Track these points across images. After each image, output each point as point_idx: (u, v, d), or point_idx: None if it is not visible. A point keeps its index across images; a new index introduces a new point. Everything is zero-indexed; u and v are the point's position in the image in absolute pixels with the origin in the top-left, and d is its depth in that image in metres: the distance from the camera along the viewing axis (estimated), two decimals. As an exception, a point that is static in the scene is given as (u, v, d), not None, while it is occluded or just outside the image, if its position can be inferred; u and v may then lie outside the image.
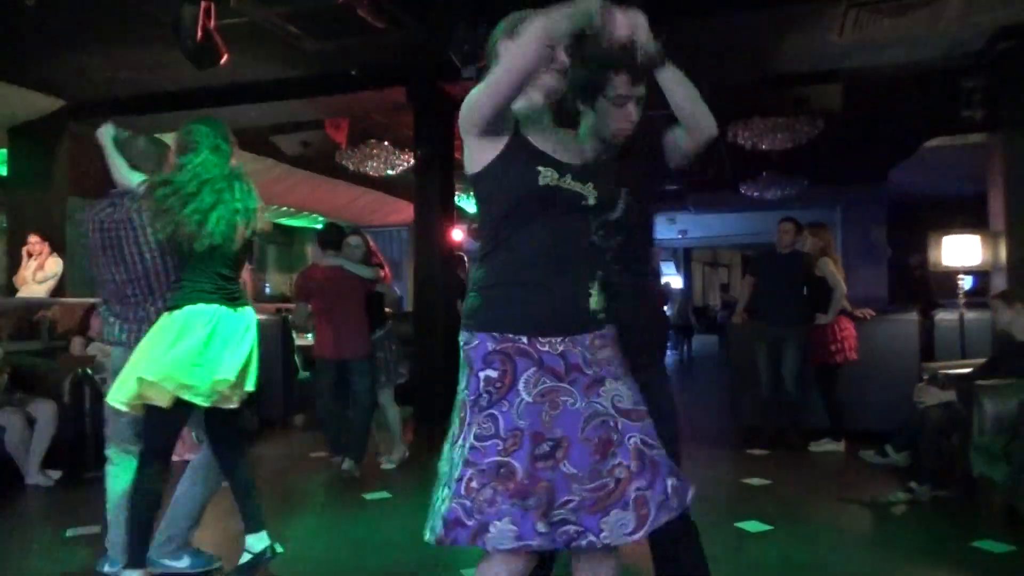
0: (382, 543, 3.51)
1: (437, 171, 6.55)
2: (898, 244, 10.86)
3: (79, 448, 4.88)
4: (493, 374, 1.59)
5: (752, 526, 3.64)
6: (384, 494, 4.32)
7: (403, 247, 13.60)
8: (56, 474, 4.61)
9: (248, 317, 2.83)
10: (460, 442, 1.61)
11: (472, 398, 1.60)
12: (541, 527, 1.50)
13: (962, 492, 4.03)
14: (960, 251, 5.69)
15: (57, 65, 6.08)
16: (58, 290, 6.56)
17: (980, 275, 6.46)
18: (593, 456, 1.57)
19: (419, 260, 6.69)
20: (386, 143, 7.71)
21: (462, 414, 1.63)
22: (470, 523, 1.53)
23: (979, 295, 6.43)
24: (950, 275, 5.94)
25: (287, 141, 7.57)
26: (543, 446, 1.55)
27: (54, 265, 6.51)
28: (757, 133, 7.04)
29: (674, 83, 1.79)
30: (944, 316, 5.98)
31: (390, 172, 7.92)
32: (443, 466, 1.66)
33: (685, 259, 20.67)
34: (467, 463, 1.56)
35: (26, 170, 7.20)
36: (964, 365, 4.62)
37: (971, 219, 6.08)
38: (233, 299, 2.79)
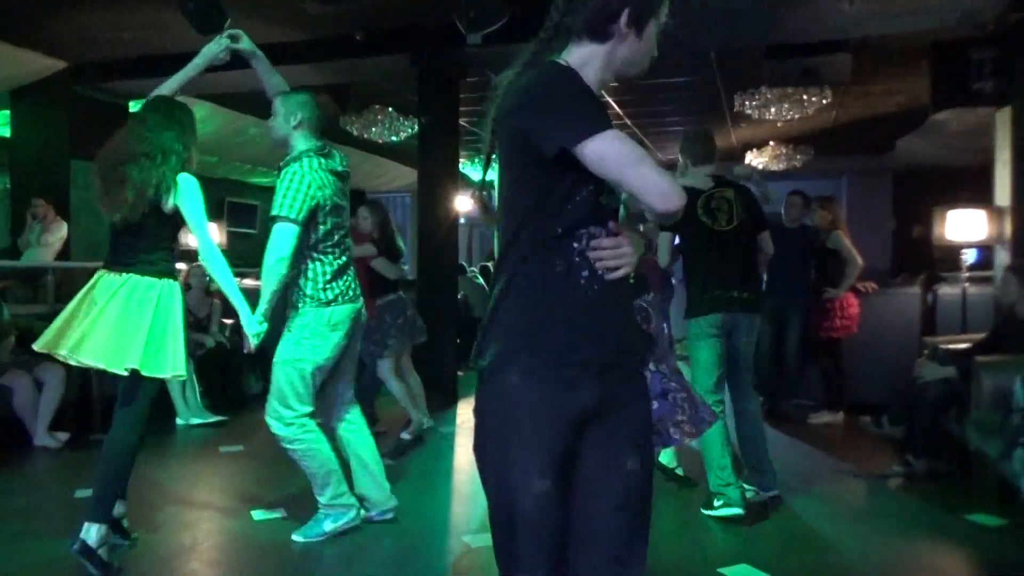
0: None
1: (441, 137, 6.51)
2: (903, 216, 10.81)
3: (86, 410, 4.95)
4: None
5: (750, 496, 3.69)
6: (387, 461, 4.37)
7: (407, 213, 13.57)
8: (64, 436, 4.68)
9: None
10: None
11: None
12: None
13: (958, 466, 4.09)
14: (964, 225, 5.67)
15: (60, 26, 6.02)
16: (63, 254, 6.57)
17: (984, 249, 6.45)
18: None
19: (423, 227, 6.68)
20: (390, 109, 7.64)
21: None
22: None
23: (982, 269, 6.43)
24: (954, 249, 5.93)
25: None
26: None
27: (59, 229, 6.51)
28: (764, 103, 6.97)
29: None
30: (946, 290, 5.98)
31: (394, 138, 7.87)
32: None
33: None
34: None
35: (29, 132, 7.16)
36: (964, 340, 4.64)
37: (977, 192, 6.04)
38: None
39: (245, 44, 3.22)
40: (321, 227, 3.10)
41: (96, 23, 5.92)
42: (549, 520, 1.38)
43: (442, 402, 6.20)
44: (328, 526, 3.15)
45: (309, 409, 3.10)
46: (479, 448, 1.44)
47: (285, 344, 3.11)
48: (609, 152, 1.31)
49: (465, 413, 5.99)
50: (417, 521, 3.38)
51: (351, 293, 3.17)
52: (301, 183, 3.04)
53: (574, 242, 1.40)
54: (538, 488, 1.36)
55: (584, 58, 1.47)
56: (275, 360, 3.11)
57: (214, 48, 3.18)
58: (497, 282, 1.44)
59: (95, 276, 2.89)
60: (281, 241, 2.97)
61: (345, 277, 3.17)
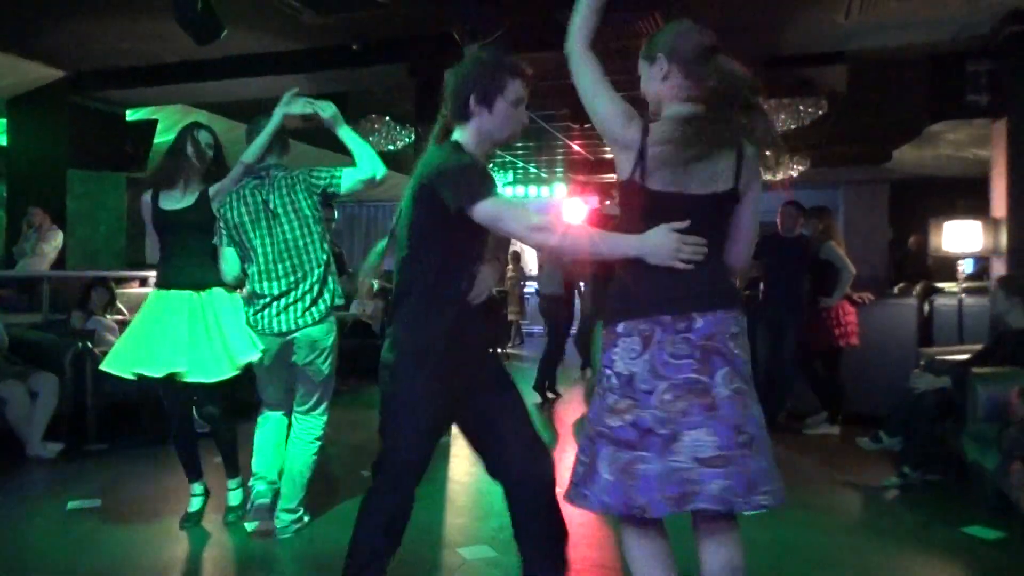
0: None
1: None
2: (900, 227, 10.84)
3: (80, 421, 4.92)
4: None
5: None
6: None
7: (403, 222, 13.57)
8: (57, 446, 4.65)
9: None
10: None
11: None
12: None
13: (954, 478, 4.07)
14: (961, 237, 5.68)
15: (57, 36, 6.03)
16: (58, 263, 6.56)
17: (980, 260, 6.45)
18: None
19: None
20: (387, 118, 7.66)
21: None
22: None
23: (978, 279, 6.43)
24: (950, 260, 5.94)
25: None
26: None
27: (54, 237, 6.50)
28: (761, 113, 6.99)
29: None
30: (942, 301, 5.98)
31: (391, 147, 7.88)
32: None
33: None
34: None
35: (26, 141, 7.16)
36: (961, 351, 4.63)
37: (974, 203, 6.06)
38: None
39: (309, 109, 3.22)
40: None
41: (94, 33, 5.93)
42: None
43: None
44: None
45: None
46: None
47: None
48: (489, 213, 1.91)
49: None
50: (410, 532, 3.35)
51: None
52: None
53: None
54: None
55: (465, 136, 2.05)
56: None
57: (286, 110, 3.17)
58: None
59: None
60: None
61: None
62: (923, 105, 6.31)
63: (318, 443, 3.31)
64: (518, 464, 2.10)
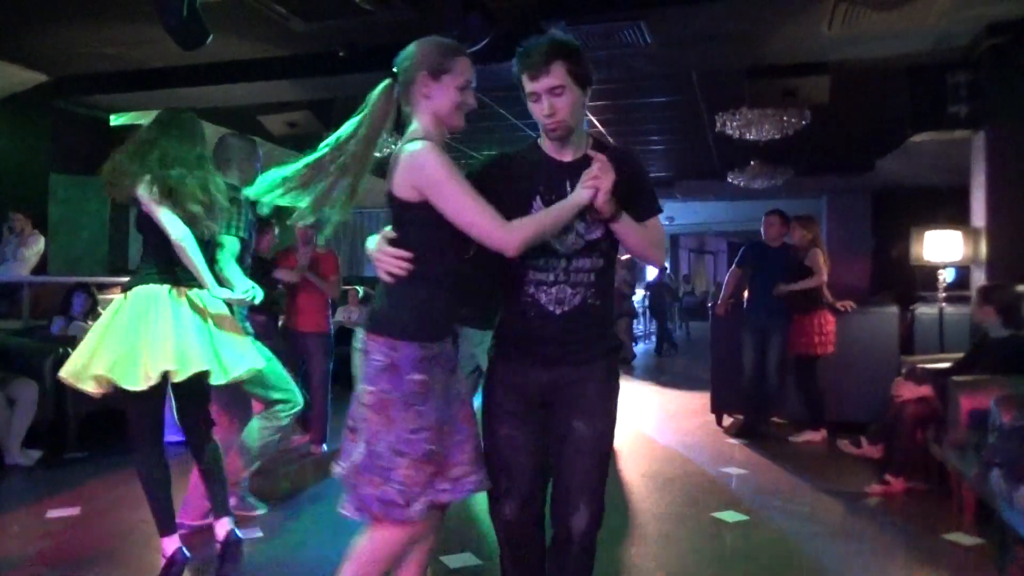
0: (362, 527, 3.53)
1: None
2: (882, 236, 10.94)
3: (60, 428, 4.87)
4: (420, 377, 1.86)
5: (729, 516, 3.70)
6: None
7: (390, 228, 13.56)
8: (36, 454, 4.60)
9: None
10: (386, 436, 1.84)
11: (401, 400, 1.83)
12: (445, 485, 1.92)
13: (936, 485, 4.11)
14: (942, 246, 5.75)
15: (40, 40, 5.98)
16: (39, 269, 6.49)
17: (961, 269, 6.52)
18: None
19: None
20: (374, 125, 7.65)
21: (389, 412, 1.83)
22: (402, 503, 1.84)
23: (960, 288, 6.50)
24: (931, 269, 6.00)
25: (273, 121, 7.49)
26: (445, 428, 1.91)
27: (36, 243, 6.43)
28: (745, 123, 7.05)
29: (623, 234, 1.95)
30: (924, 310, 6.05)
31: (377, 154, 7.86)
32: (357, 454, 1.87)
33: (672, 246, 20.85)
34: (404, 455, 1.83)
35: (7, 145, 7.09)
36: (942, 359, 4.68)
37: (956, 213, 6.12)
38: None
39: None
40: None
41: (78, 37, 5.89)
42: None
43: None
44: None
45: None
46: None
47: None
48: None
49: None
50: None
51: None
52: None
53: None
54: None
55: (421, 122, 1.95)
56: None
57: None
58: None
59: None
60: None
61: None
62: (904, 116, 6.38)
63: None
64: (556, 507, 2.00)
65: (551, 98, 1.88)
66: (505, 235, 1.81)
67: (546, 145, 2.01)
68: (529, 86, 1.90)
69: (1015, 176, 5.22)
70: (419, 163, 1.82)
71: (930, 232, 5.83)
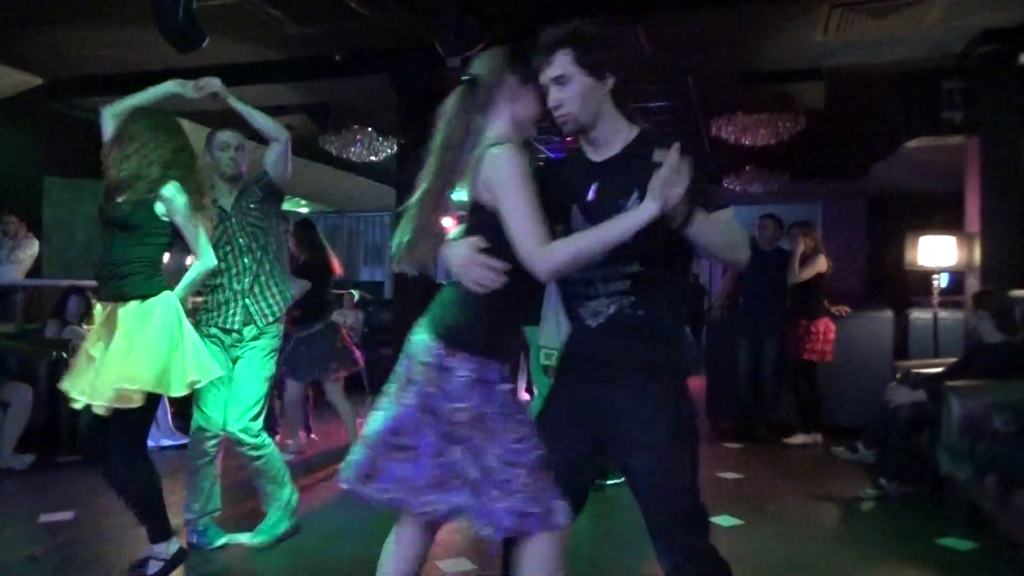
0: (359, 532, 3.52)
1: (420, 158, 6.51)
2: (877, 241, 10.97)
3: (53, 432, 4.85)
4: (509, 387, 1.81)
5: (724, 520, 3.69)
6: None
7: (385, 232, 13.55)
8: (29, 458, 4.58)
9: None
10: (493, 450, 1.74)
11: (500, 412, 1.76)
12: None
13: (929, 490, 4.12)
14: (936, 251, 5.77)
15: (35, 42, 5.97)
16: (33, 272, 6.47)
17: (955, 274, 6.54)
18: None
19: (400, 248, 6.66)
20: (369, 129, 7.65)
21: (488, 426, 1.74)
22: (537, 510, 1.72)
23: (954, 294, 6.52)
24: (926, 274, 6.02)
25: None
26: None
27: (29, 246, 6.41)
28: (740, 128, 7.07)
29: (699, 237, 1.72)
30: (918, 315, 6.06)
31: (373, 158, 7.87)
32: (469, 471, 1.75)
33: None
34: (517, 464, 1.74)
35: (1, 148, 7.07)
36: (936, 364, 4.69)
37: (951, 218, 6.15)
38: None
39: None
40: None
41: (72, 40, 5.88)
42: None
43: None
44: (283, 526, 3.30)
45: None
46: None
47: (263, 360, 3.25)
48: None
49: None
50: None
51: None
52: None
53: None
54: None
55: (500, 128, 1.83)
56: (253, 377, 3.21)
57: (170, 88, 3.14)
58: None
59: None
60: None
61: None
62: (899, 122, 6.40)
63: None
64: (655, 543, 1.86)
65: (556, 89, 1.79)
66: (538, 258, 1.67)
67: (584, 146, 1.90)
68: (541, 81, 1.81)
69: (1008, 182, 5.26)
70: (497, 164, 1.72)
71: (924, 237, 5.86)
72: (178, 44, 4.57)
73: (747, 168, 9.17)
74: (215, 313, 3.23)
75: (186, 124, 7.97)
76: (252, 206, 3.32)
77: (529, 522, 1.73)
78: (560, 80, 1.78)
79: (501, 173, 1.71)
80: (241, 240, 3.27)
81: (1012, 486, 2.99)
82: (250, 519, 3.46)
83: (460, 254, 1.78)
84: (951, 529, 3.56)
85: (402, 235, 1.86)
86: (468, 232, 1.83)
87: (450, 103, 1.83)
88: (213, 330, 3.22)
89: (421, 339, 1.81)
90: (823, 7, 4.81)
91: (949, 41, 5.35)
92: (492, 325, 1.80)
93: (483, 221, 1.77)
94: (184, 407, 5.67)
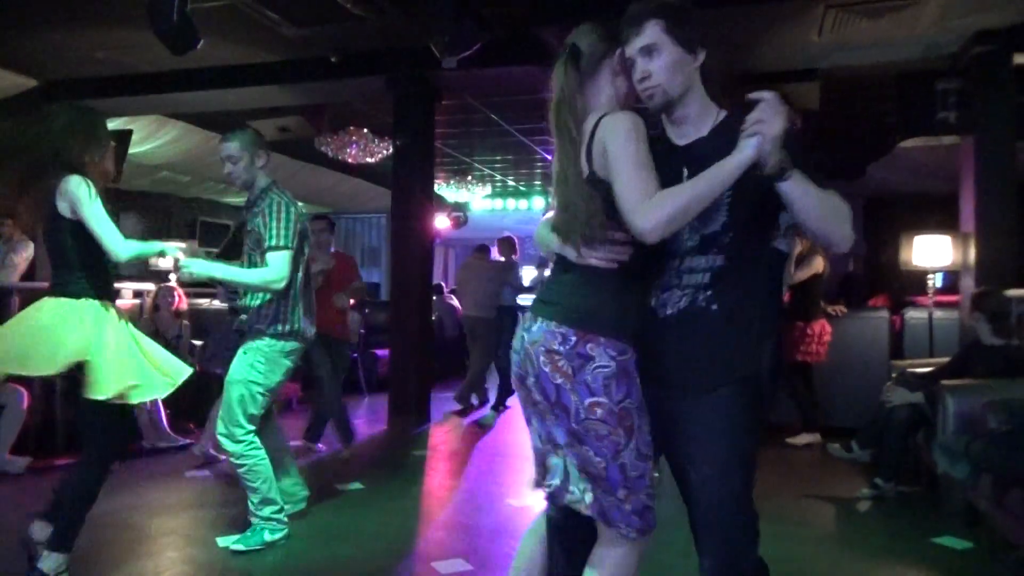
0: (355, 533, 3.52)
1: (416, 159, 6.52)
2: (873, 242, 10.98)
3: (49, 434, 4.83)
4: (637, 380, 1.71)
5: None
6: (356, 484, 4.33)
7: (382, 234, 13.56)
8: (25, 460, 4.56)
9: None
10: (631, 444, 1.67)
11: (637, 404, 1.68)
12: None
13: (926, 490, 4.13)
14: (931, 251, 5.79)
15: (30, 44, 5.96)
16: (29, 274, 6.45)
17: (951, 274, 6.56)
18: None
19: (395, 248, 6.66)
20: (365, 130, 7.65)
21: (629, 422, 1.66)
22: (653, 504, 1.72)
23: (949, 293, 6.54)
24: (921, 274, 6.04)
25: (265, 126, 7.47)
26: None
27: (24, 248, 6.40)
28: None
29: (797, 196, 1.59)
30: (914, 314, 6.08)
31: (369, 159, 7.87)
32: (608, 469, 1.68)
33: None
34: (647, 457, 1.69)
35: (-3, 150, 7.06)
36: (932, 364, 4.70)
37: (946, 218, 6.17)
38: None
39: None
40: (301, 257, 3.31)
41: (68, 42, 5.87)
42: None
43: (414, 424, 6.16)
44: (268, 536, 3.27)
45: (254, 428, 3.25)
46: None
47: (241, 365, 3.24)
48: None
49: (438, 436, 5.94)
50: (385, 546, 3.34)
51: (301, 326, 3.32)
52: (290, 212, 3.21)
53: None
54: None
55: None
56: (229, 379, 3.23)
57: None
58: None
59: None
60: (283, 264, 3.14)
61: (301, 308, 3.34)
62: (894, 122, 6.42)
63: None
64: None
65: (644, 60, 1.69)
66: (640, 214, 1.54)
67: (669, 129, 1.80)
68: (628, 53, 1.72)
69: (1003, 182, 5.27)
70: (611, 126, 1.64)
71: (920, 237, 5.87)
72: (173, 46, 4.56)
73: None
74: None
75: (180, 126, 7.98)
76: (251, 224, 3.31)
77: (648, 517, 1.70)
78: (649, 50, 1.69)
79: (615, 133, 1.62)
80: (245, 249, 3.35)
81: (1008, 485, 3.00)
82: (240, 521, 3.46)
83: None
84: (947, 528, 3.57)
85: (564, 222, 1.71)
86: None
87: (560, 78, 1.74)
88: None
89: (541, 327, 1.70)
90: (818, 8, 4.83)
91: (944, 42, 5.37)
92: (627, 306, 1.69)
93: (601, 193, 1.65)
94: (180, 410, 5.68)
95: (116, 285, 6.53)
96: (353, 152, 7.72)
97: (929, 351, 5.63)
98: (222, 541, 3.33)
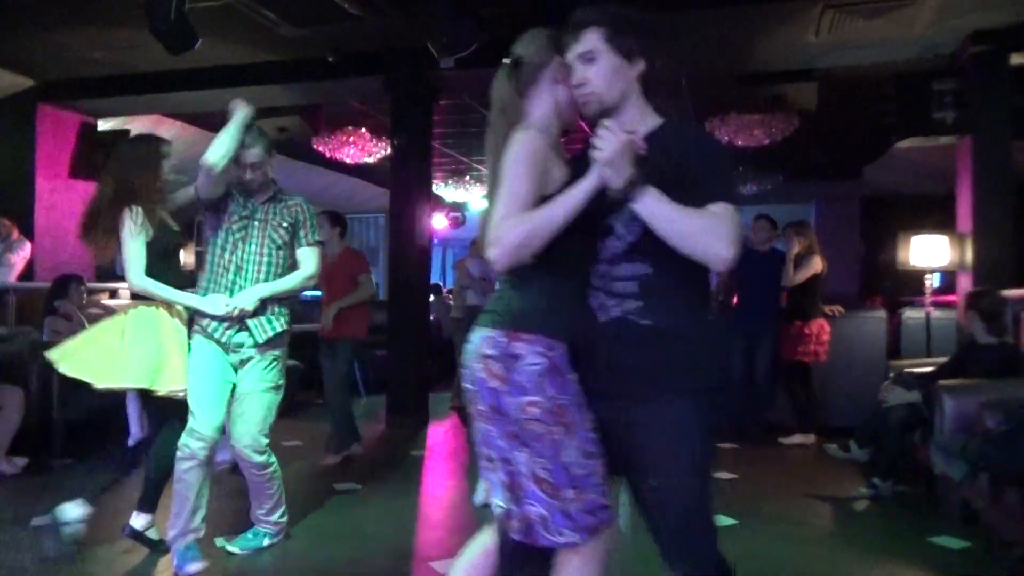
0: (353, 534, 3.52)
1: (414, 159, 6.52)
2: (871, 242, 11.01)
3: (46, 435, 4.82)
4: (576, 376, 1.69)
5: (718, 520, 3.70)
6: (353, 485, 4.33)
7: (380, 234, 13.55)
8: (22, 461, 4.55)
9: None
10: (572, 442, 1.63)
11: (574, 401, 1.66)
12: None
13: (923, 489, 4.14)
14: (928, 251, 5.80)
15: (27, 43, 5.95)
16: (26, 274, 6.45)
17: (948, 274, 6.58)
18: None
19: (394, 248, 6.66)
20: (363, 130, 7.65)
21: (567, 418, 1.63)
22: (607, 502, 1.66)
23: (945, 293, 6.56)
24: (918, 274, 6.05)
25: (263, 126, 7.45)
26: None
27: (22, 248, 6.39)
28: (734, 129, 7.09)
29: (648, 216, 1.60)
30: (911, 314, 6.09)
31: (367, 159, 7.87)
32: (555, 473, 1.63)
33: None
34: (593, 455, 1.65)
35: (-6, 150, 7.06)
36: (929, 364, 4.71)
37: (943, 218, 6.18)
38: None
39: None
40: None
41: (65, 42, 5.87)
42: None
43: (412, 425, 6.16)
44: (266, 541, 3.25)
45: None
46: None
47: (271, 370, 3.14)
48: None
49: (436, 436, 5.94)
50: (383, 546, 3.34)
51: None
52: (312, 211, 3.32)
53: None
54: None
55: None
56: (261, 388, 3.11)
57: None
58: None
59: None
60: (318, 259, 3.26)
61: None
62: (891, 122, 6.43)
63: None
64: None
65: (582, 67, 1.71)
66: (491, 240, 1.59)
67: None
68: (568, 60, 1.74)
69: (1000, 182, 5.29)
70: (512, 144, 1.65)
71: (917, 237, 5.88)
72: (171, 46, 4.56)
73: (740, 169, 9.20)
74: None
75: (178, 126, 7.98)
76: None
77: (602, 515, 1.65)
78: (587, 57, 1.71)
79: (511, 153, 1.64)
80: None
81: (1004, 485, 3.01)
82: (231, 520, 3.46)
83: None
84: (944, 528, 3.57)
85: (489, 228, 1.70)
86: None
87: (501, 87, 1.75)
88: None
89: (478, 335, 1.71)
90: (815, 8, 4.84)
91: (940, 42, 5.38)
92: (557, 302, 1.69)
93: None
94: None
95: (113, 286, 6.60)
96: (351, 152, 7.72)
97: (926, 351, 5.64)
98: (219, 542, 3.33)
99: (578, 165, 1.70)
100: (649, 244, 1.63)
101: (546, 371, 1.62)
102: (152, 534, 3.19)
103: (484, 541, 1.87)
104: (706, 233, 1.58)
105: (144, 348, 3.01)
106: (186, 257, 8.18)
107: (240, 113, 3.12)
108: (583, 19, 1.73)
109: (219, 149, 2.99)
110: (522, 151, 1.64)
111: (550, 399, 1.62)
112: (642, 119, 1.75)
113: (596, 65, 1.70)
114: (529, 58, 1.77)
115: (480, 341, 1.69)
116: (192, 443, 2.97)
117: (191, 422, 3.01)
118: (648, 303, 1.67)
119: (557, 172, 1.71)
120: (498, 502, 1.70)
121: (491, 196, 1.71)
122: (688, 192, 1.59)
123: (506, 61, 1.77)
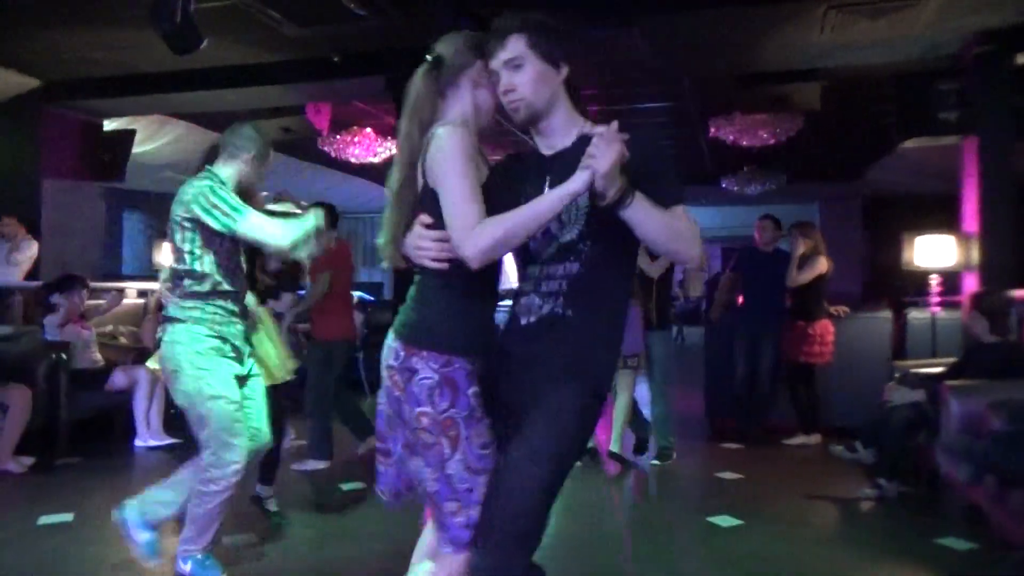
0: (356, 533, 3.52)
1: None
2: (875, 242, 11.00)
3: (53, 434, 4.84)
4: (477, 389, 1.71)
5: (723, 520, 3.70)
6: (356, 485, 4.33)
7: (383, 234, 13.55)
8: (28, 460, 4.57)
9: None
10: (456, 455, 1.67)
11: (464, 415, 1.68)
12: None
13: (928, 490, 4.13)
14: (933, 251, 5.78)
15: (31, 44, 5.96)
16: (32, 274, 6.46)
17: (952, 275, 6.55)
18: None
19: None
20: (368, 130, 7.66)
21: (454, 432, 1.66)
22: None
23: (951, 294, 6.53)
24: (923, 274, 6.03)
25: (267, 126, 7.50)
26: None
27: (28, 248, 6.40)
28: (738, 129, 7.09)
29: (637, 222, 1.61)
30: (916, 315, 6.08)
31: (372, 159, 7.88)
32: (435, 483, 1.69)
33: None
34: (479, 472, 1.67)
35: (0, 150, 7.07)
36: (934, 364, 4.70)
37: (948, 219, 6.17)
38: None
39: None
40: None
41: (69, 42, 5.88)
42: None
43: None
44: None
45: None
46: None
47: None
48: None
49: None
50: (385, 546, 3.34)
51: None
52: None
53: None
54: None
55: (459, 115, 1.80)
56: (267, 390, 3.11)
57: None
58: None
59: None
60: None
61: None
62: (894, 122, 6.42)
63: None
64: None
65: (509, 73, 1.72)
66: (464, 241, 1.59)
67: (536, 140, 1.83)
68: (493, 66, 1.74)
69: (1004, 182, 5.27)
70: (440, 143, 1.65)
71: (921, 237, 5.87)
72: (176, 46, 4.56)
73: (744, 169, 9.20)
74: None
75: (182, 126, 8.00)
76: None
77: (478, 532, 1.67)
78: (514, 63, 1.72)
79: (443, 152, 1.64)
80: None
81: (1010, 486, 3.00)
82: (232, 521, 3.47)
83: (411, 233, 1.74)
84: (949, 529, 3.57)
85: (386, 230, 1.78)
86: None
87: (417, 84, 1.76)
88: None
89: (387, 343, 1.76)
90: (819, 8, 4.82)
91: (944, 42, 5.37)
92: (454, 318, 1.72)
93: (433, 205, 1.69)
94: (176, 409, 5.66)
95: (120, 285, 6.63)
96: (356, 152, 7.72)
97: (932, 352, 5.62)
98: (224, 539, 3.33)
99: (504, 172, 1.78)
100: (580, 244, 1.69)
101: (437, 385, 1.66)
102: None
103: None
104: (683, 236, 1.67)
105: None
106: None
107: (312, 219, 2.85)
108: (507, 25, 1.74)
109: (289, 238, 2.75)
110: (455, 146, 1.64)
111: (441, 412, 1.66)
112: (571, 120, 1.79)
113: (523, 72, 1.72)
114: (451, 59, 1.78)
115: (387, 350, 1.75)
116: (244, 459, 2.80)
117: (240, 440, 2.79)
118: (572, 298, 1.70)
119: (484, 168, 1.75)
120: (381, 489, 1.88)
121: (398, 199, 1.75)
122: (647, 194, 1.61)
123: (428, 59, 1.78)
